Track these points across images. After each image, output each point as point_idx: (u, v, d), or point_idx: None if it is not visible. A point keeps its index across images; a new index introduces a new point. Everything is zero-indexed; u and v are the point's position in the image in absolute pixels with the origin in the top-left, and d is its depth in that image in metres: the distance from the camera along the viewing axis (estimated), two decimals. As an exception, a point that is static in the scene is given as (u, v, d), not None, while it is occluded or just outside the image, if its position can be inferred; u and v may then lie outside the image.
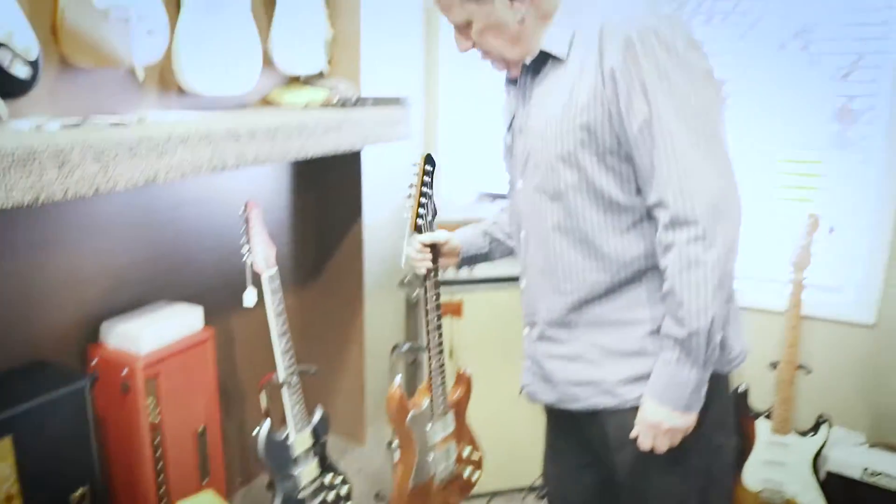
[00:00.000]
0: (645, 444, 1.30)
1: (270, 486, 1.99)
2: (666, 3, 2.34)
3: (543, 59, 1.33)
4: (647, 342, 1.31)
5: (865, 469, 2.25)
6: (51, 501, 1.65)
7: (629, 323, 1.33)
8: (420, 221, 1.68)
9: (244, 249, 1.91)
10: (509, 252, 1.70)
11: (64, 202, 1.73)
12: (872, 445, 2.36)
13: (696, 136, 1.18)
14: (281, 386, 1.97)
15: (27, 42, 1.52)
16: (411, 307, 2.60)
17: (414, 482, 1.90)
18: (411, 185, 1.69)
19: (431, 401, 1.90)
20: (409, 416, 1.87)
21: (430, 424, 1.91)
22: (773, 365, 2.36)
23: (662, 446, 1.30)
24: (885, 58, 2.28)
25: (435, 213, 1.72)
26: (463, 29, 1.36)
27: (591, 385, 1.37)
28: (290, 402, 1.98)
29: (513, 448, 2.49)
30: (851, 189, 2.41)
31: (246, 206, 1.91)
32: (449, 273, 2.05)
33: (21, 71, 1.52)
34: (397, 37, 2.72)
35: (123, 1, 1.70)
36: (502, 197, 2.86)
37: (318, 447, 2.08)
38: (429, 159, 1.68)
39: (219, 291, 2.21)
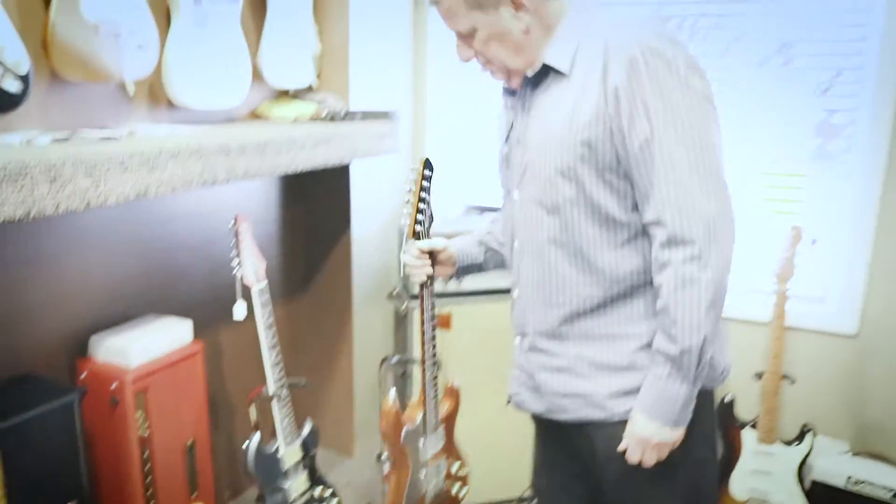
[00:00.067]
0: (633, 457, 1.32)
1: (260, 499, 1.98)
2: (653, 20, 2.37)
3: (545, 73, 1.34)
4: (637, 357, 1.33)
5: (849, 478, 2.28)
6: (39, 516, 1.64)
7: (620, 337, 1.34)
8: (418, 228, 1.64)
9: (234, 263, 1.91)
10: (502, 263, 1.69)
11: (53, 216, 1.73)
12: (856, 454, 2.39)
13: (695, 158, 1.21)
14: (271, 399, 1.97)
15: (18, 56, 1.52)
16: (400, 319, 2.60)
17: (407, 501, 1.88)
18: (409, 191, 1.65)
19: (424, 415, 1.88)
20: (404, 432, 1.85)
21: (422, 440, 1.89)
22: (759, 375, 2.39)
23: (650, 460, 1.31)
24: (863, 73, 2.33)
25: (432, 220, 1.68)
26: (466, 38, 1.36)
27: (581, 397, 1.38)
28: (280, 414, 1.98)
29: (501, 460, 2.49)
30: (833, 201, 2.45)
31: (235, 220, 1.91)
32: (438, 285, 2.07)
33: (11, 85, 1.52)
34: (385, 51, 2.74)
35: (114, 16, 1.71)
36: (490, 209, 2.89)
37: (308, 460, 2.08)
38: (427, 164, 1.64)
39: (208, 305, 2.21)
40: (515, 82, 1.39)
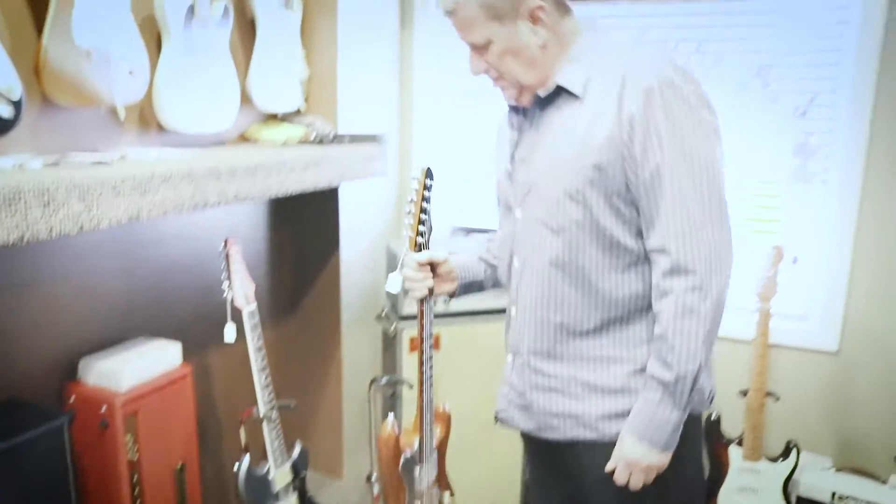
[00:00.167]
0: (621, 479, 1.33)
1: (249, 522, 1.98)
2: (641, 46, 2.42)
3: (556, 93, 1.34)
4: (631, 380, 1.35)
5: (834, 493, 2.30)
6: (27, 542, 1.63)
7: (615, 360, 1.36)
8: (420, 240, 1.57)
9: (224, 285, 1.92)
10: (499, 282, 1.66)
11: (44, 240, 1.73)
12: (839, 470, 2.42)
13: (702, 190, 1.23)
14: (261, 421, 1.97)
15: (10, 81, 1.53)
16: (389, 341, 2.61)
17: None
18: (410, 201, 1.57)
19: (421, 441, 1.79)
20: (403, 459, 1.77)
21: (418, 468, 1.81)
22: (743, 392, 2.42)
23: (637, 483, 1.33)
24: (838, 96, 2.40)
25: (431, 231, 1.61)
26: (480, 50, 1.34)
27: (572, 418, 1.39)
28: (271, 436, 1.98)
29: (489, 482, 2.50)
30: (812, 220, 2.51)
31: (226, 243, 1.93)
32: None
33: (4, 110, 1.53)
34: (372, 75, 2.78)
35: (105, 42, 1.72)
36: (476, 231, 2.91)
37: (298, 482, 2.08)
38: (429, 173, 1.57)
39: (197, 327, 2.21)
40: (526, 99, 1.39)
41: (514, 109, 1.46)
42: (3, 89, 1.52)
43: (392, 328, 2.51)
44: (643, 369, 1.33)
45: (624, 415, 1.34)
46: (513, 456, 2.52)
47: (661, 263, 1.27)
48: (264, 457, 1.99)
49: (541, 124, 1.38)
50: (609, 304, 1.34)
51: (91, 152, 1.78)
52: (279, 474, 2.00)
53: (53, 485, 1.68)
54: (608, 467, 1.35)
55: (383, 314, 2.66)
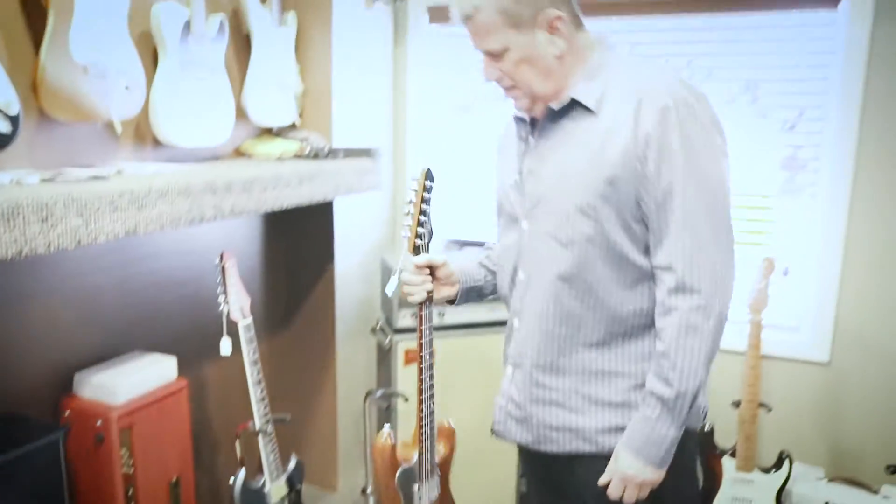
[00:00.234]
0: (615, 493, 1.34)
1: (245, 536, 1.97)
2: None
3: (569, 107, 1.34)
4: (631, 395, 1.35)
5: (826, 503, 2.31)
6: (22, 557, 1.62)
7: (618, 374, 1.36)
8: (419, 242, 1.52)
9: (220, 299, 1.93)
10: (496, 290, 1.63)
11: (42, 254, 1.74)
12: (831, 480, 2.43)
13: (711, 210, 1.25)
14: (257, 434, 1.98)
15: (8, 97, 1.54)
16: (383, 354, 2.62)
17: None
18: (410, 202, 1.53)
19: (421, 456, 1.73)
20: (399, 472, 1.73)
21: (417, 486, 1.76)
22: (736, 404, 2.43)
23: (631, 498, 1.33)
24: (825, 111, 2.43)
25: (431, 235, 1.56)
26: (495, 57, 1.33)
27: (571, 431, 1.40)
28: (266, 450, 1.99)
29: (483, 497, 2.49)
30: (802, 232, 2.54)
31: (222, 257, 1.94)
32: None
33: (2, 126, 1.54)
34: (367, 89, 2.80)
35: (102, 57, 1.74)
36: (471, 244, 2.93)
37: (294, 495, 2.08)
38: (429, 174, 1.53)
39: (192, 341, 2.22)
40: (538, 110, 1.37)
41: (521, 120, 1.45)
42: (1, 105, 1.53)
43: (387, 341, 2.52)
44: (644, 384, 1.34)
45: (623, 429, 1.35)
46: (507, 469, 2.53)
47: (666, 281, 1.28)
48: (260, 470, 1.99)
49: (551, 137, 1.37)
50: (614, 319, 1.34)
51: (88, 167, 1.79)
52: (275, 488, 2.00)
53: (49, 499, 1.68)
54: (602, 481, 1.35)
55: (378, 327, 2.66)
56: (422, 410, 1.64)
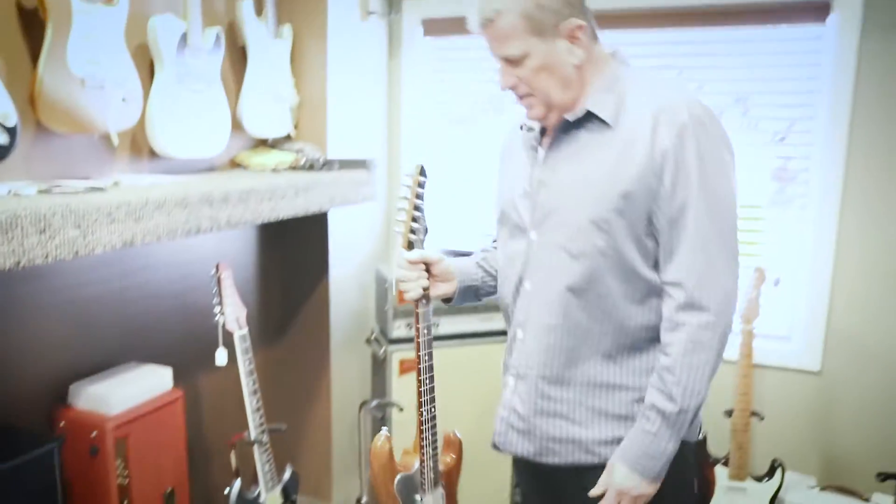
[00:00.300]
0: None
1: (239, 547, 1.97)
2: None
3: (584, 119, 1.33)
4: (633, 408, 1.36)
5: (819, 512, 2.33)
6: (16, 569, 1.62)
7: (623, 387, 1.36)
8: (412, 237, 1.49)
9: (216, 310, 1.93)
10: (492, 292, 1.61)
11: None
12: (823, 488, 2.45)
13: (721, 229, 1.27)
14: (252, 444, 1.98)
15: (5, 109, 1.55)
16: (378, 364, 2.62)
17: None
18: (403, 198, 1.50)
19: (422, 464, 1.65)
20: (398, 479, 1.66)
21: (419, 497, 1.68)
22: (728, 413, 2.44)
23: None
24: (815, 123, 2.47)
25: (426, 232, 1.52)
26: (513, 63, 1.31)
27: (574, 443, 1.39)
28: (262, 460, 1.99)
29: None
30: (793, 242, 2.56)
31: (217, 268, 1.94)
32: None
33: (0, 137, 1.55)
34: (361, 101, 2.82)
35: (99, 70, 1.75)
36: (464, 254, 2.94)
37: (288, 506, 2.08)
38: (422, 171, 1.50)
39: (187, 352, 2.22)
40: (553, 119, 1.36)
41: (530, 129, 1.44)
42: (-1, 117, 1.54)
43: (381, 351, 2.52)
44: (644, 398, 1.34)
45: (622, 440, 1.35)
46: (501, 479, 2.53)
47: (675, 297, 1.28)
48: (255, 481, 1.99)
49: (563, 148, 1.36)
50: (622, 331, 1.34)
51: (85, 179, 1.79)
52: (270, 499, 2.00)
53: (43, 511, 1.68)
54: (595, 491, 1.35)
55: (372, 337, 2.67)
56: (421, 415, 1.58)
